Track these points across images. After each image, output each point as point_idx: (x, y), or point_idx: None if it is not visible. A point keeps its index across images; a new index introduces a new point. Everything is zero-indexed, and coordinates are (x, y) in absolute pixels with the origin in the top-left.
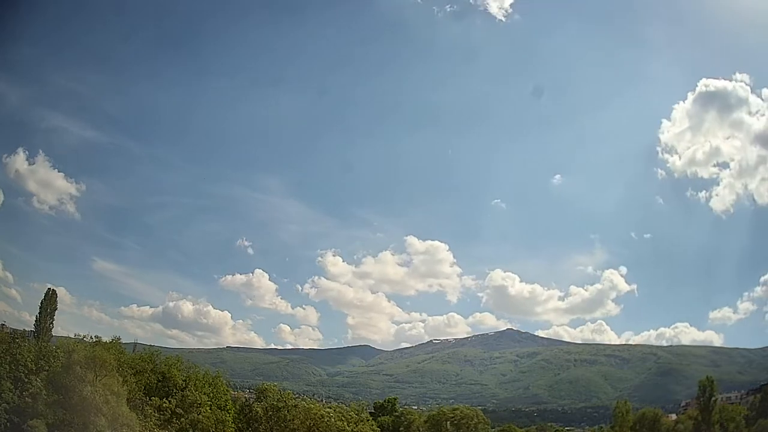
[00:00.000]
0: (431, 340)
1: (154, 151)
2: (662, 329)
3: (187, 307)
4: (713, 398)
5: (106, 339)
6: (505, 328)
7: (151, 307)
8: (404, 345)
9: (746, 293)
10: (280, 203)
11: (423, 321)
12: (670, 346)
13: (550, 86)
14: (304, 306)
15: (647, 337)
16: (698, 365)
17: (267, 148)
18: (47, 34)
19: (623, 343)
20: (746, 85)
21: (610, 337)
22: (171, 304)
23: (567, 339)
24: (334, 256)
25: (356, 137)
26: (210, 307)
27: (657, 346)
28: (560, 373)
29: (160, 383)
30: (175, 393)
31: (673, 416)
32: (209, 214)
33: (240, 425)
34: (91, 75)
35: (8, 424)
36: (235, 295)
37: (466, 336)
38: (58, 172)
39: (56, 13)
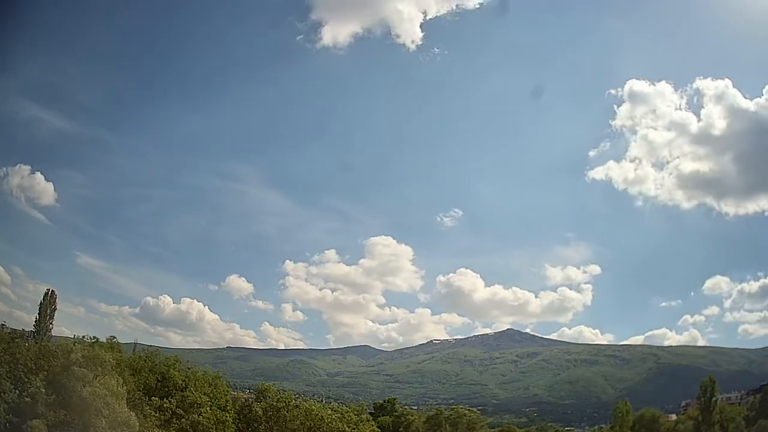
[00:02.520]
0: (431, 340)
1: (128, 141)
2: (636, 337)
3: (169, 305)
4: (714, 398)
5: (97, 337)
6: (505, 328)
7: (133, 306)
8: (384, 345)
9: (705, 297)
10: (258, 194)
11: (396, 321)
12: (670, 346)
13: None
14: (282, 304)
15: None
16: (698, 365)
17: (241, 137)
18: (20, 24)
19: (623, 343)
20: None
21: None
22: (153, 300)
23: (567, 340)
24: (287, 260)
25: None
26: (194, 305)
27: (657, 347)
28: (560, 373)
29: (159, 383)
30: (175, 393)
31: (673, 416)
32: (187, 206)
33: (240, 426)
34: (64, 65)
35: (8, 424)
36: (219, 293)
37: (466, 336)
38: (37, 167)
39: (29, 2)
